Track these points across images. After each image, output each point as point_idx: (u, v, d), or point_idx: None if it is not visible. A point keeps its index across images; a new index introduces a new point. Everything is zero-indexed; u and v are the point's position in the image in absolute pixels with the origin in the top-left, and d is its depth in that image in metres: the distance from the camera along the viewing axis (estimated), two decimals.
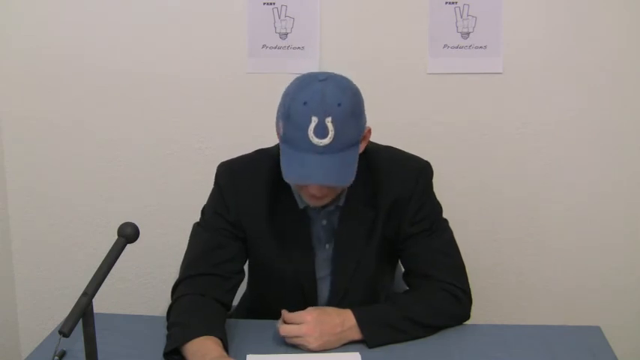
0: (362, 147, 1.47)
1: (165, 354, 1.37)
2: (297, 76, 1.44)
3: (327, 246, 1.58)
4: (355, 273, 1.57)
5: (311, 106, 1.34)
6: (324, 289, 1.61)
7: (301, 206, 1.54)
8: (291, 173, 1.39)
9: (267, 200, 1.54)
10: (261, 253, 1.58)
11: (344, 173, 1.39)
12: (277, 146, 1.57)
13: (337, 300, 1.57)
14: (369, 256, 1.57)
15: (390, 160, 1.59)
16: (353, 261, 1.57)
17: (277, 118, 1.42)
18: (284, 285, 1.59)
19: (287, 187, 1.54)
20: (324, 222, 1.57)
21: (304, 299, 1.57)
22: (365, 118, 1.44)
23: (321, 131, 1.33)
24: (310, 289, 1.59)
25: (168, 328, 1.43)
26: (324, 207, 1.54)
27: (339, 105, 1.35)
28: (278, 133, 1.43)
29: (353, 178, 1.41)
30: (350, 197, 1.54)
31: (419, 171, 1.58)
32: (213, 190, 1.61)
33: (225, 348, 1.38)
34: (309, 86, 1.38)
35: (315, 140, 1.34)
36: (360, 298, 1.57)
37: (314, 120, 1.33)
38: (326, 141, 1.34)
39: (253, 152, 1.62)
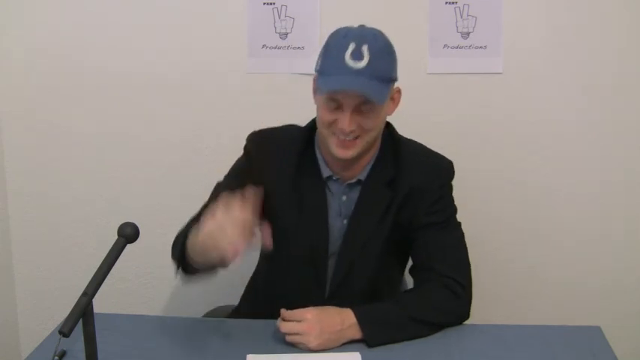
0: (391, 107, 1.55)
1: (177, 260, 1.43)
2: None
3: (345, 221, 1.60)
4: (362, 250, 1.58)
5: (349, 36, 1.43)
6: (332, 265, 1.62)
7: (325, 175, 1.58)
8: (326, 85, 1.43)
9: (294, 168, 1.57)
10: (280, 221, 1.58)
11: (377, 92, 1.44)
12: (307, 125, 1.63)
13: (341, 277, 1.59)
14: (379, 235, 1.58)
15: (416, 152, 1.64)
16: (363, 238, 1.58)
17: (315, 63, 1.49)
18: (297, 259, 1.60)
19: (313, 158, 1.59)
20: (344, 198, 1.59)
21: (315, 274, 1.59)
22: (397, 72, 1.51)
23: (357, 55, 1.41)
24: (322, 264, 1.60)
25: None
26: (344, 180, 1.57)
27: (375, 37, 1.45)
28: (315, 77, 1.49)
29: (384, 102, 1.47)
30: (373, 175, 1.58)
31: (441, 167, 1.64)
32: (240, 157, 1.65)
33: None
34: (348, 27, 1.49)
35: (351, 63, 1.41)
36: (364, 281, 1.59)
37: (351, 46, 1.41)
38: (362, 64, 1.41)
39: (283, 126, 1.67)
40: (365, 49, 1.41)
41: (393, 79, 1.51)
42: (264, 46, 2.15)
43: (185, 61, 2.17)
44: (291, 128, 1.65)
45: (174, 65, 2.18)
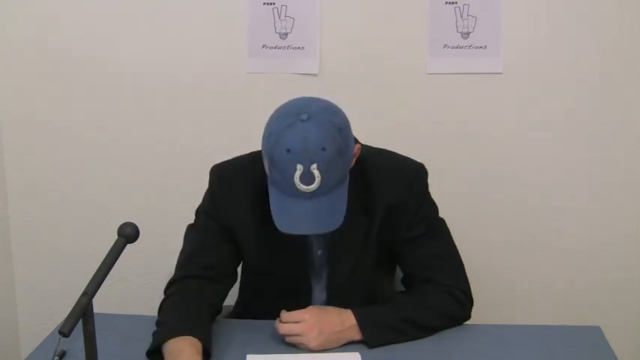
0: (352, 163, 1.44)
1: (149, 354, 1.37)
2: (281, 105, 1.41)
3: (320, 252, 1.57)
4: (352, 279, 1.56)
5: (295, 154, 1.31)
6: (319, 296, 1.60)
7: None
8: (281, 223, 1.36)
9: (259, 204, 1.49)
10: (252, 258, 1.58)
11: (335, 216, 1.36)
12: None
13: (335, 305, 1.55)
14: (366, 262, 1.56)
15: (383, 165, 1.56)
16: (349, 267, 1.55)
17: (262, 152, 1.40)
18: (277, 290, 1.57)
19: None
20: None
21: (298, 305, 1.52)
22: (352, 146, 1.41)
23: (307, 179, 1.31)
24: (304, 295, 1.57)
25: (155, 327, 1.44)
26: None
27: (323, 149, 1.31)
28: (265, 166, 1.41)
29: (343, 216, 1.37)
30: None
31: (413, 175, 1.57)
32: (206, 192, 1.60)
33: (208, 348, 1.37)
34: (292, 129, 1.33)
35: (303, 187, 1.32)
36: (357, 303, 1.54)
37: (299, 168, 1.30)
38: (313, 187, 1.32)
39: (247, 154, 1.60)
40: (314, 168, 1.30)
41: (349, 169, 1.41)
42: (264, 46, 2.15)
43: (185, 61, 2.17)
44: (254, 158, 1.52)
45: (174, 65, 2.18)
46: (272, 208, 1.38)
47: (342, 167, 1.38)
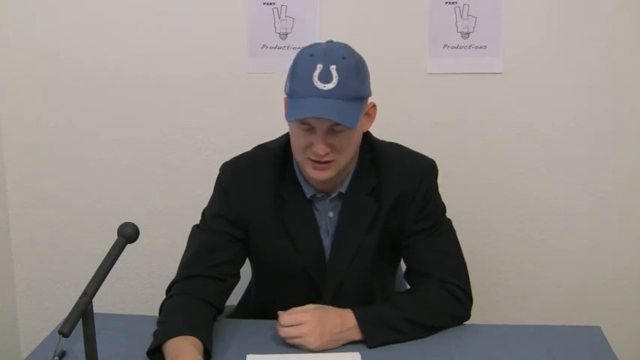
0: (367, 123, 1.51)
1: (150, 353, 1.37)
2: None
3: (333, 238, 1.58)
4: (353, 261, 1.57)
5: (316, 57, 1.40)
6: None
7: (309, 195, 1.55)
8: (294, 113, 1.40)
9: (273, 197, 1.54)
10: (270, 252, 1.58)
11: (348, 115, 1.40)
12: (276, 140, 1.59)
13: (333, 289, 1.57)
14: (368, 246, 1.56)
15: (396, 157, 1.59)
16: (352, 249, 1.56)
17: (285, 85, 1.46)
18: (294, 281, 1.58)
19: (293, 180, 1.55)
20: (331, 214, 1.57)
21: (315, 293, 1.56)
22: (369, 88, 1.47)
23: (326, 77, 1.37)
24: (320, 281, 1.58)
25: (156, 326, 1.44)
26: (328, 195, 1.55)
27: (343, 58, 1.40)
28: (285, 100, 1.45)
29: (356, 125, 1.42)
30: (354, 186, 1.55)
31: (424, 170, 1.59)
32: (215, 191, 1.60)
33: (208, 348, 1.38)
34: (315, 45, 1.46)
35: (320, 85, 1.37)
36: (355, 290, 1.57)
37: (318, 67, 1.38)
38: (330, 85, 1.37)
39: (253, 149, 1.63)
40: (333, 69, 1.38)
41: (366, 97, 1.47)
42: (264, 46, 2.15)
43: (185, 62, 2.17)
44: (261, 151, 1.60)
45: (175, 65, 2.18)
46: (288, 112, 1.43)
47: (359, 85, 1.43)
